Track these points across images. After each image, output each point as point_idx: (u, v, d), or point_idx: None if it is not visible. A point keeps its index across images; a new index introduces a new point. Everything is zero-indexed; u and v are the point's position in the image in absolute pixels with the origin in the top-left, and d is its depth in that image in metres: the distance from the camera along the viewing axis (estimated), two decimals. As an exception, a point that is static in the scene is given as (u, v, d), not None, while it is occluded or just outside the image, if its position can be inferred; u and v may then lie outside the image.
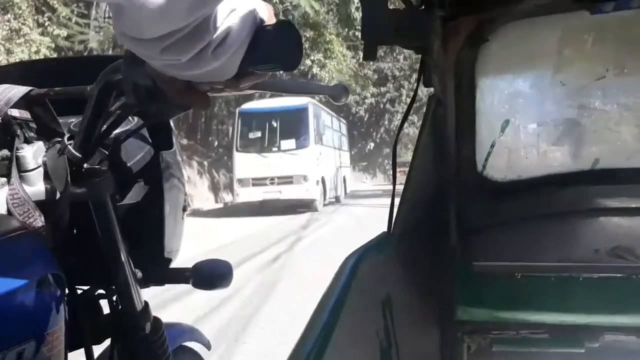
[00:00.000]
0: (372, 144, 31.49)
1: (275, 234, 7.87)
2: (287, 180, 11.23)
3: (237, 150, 11.84)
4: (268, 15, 0.53)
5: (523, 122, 1.24)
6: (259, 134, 11.82)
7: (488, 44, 1.09)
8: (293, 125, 11.69)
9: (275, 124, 11.79)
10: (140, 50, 0.46)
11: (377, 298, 1.03)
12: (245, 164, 11.47)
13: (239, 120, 11.97)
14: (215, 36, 0.46)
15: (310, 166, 11.44)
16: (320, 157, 12.05)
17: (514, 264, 1.20)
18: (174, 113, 0.60)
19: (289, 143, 11.55)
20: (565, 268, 1.19)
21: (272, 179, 11.31)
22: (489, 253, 1.23)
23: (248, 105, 12.30)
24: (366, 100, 25.43)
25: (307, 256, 5.81)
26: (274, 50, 0.50)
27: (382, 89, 27.23)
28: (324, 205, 12.28)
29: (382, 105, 28.57)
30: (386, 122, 28.83)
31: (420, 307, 1.20)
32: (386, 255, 1.08)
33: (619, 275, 1.18)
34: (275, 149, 11.61)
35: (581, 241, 1.25)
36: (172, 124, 1.02)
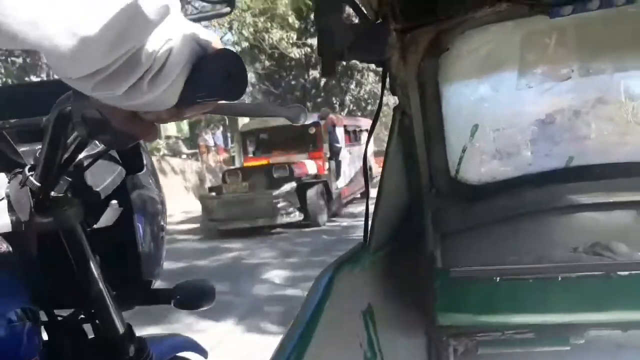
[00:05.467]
0: (334, 121, 17.55)
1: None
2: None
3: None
4: (212, 43, 0.52)
5: (493, 125, 1.25)
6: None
7: (449, 53, 1.10)
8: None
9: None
10: (75, 86, 0.46)
11: (357, 309, 1.03)
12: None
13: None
14: (149, 67, 0.45)
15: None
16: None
17: (491, 267, 1.21)
18: (124, 143, 0.61)
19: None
20: (543, 269, 1.19)
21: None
22: (466, 257, 1.24)
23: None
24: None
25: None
26: (215, 80, 0.49)
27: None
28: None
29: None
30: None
31: (403, 315, 1.21)
32: (363, 266, 1.08)
33: (597, 273, 1.19)
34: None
35: (559, 240, 1.25)
36: (142, 145, 1.03)
